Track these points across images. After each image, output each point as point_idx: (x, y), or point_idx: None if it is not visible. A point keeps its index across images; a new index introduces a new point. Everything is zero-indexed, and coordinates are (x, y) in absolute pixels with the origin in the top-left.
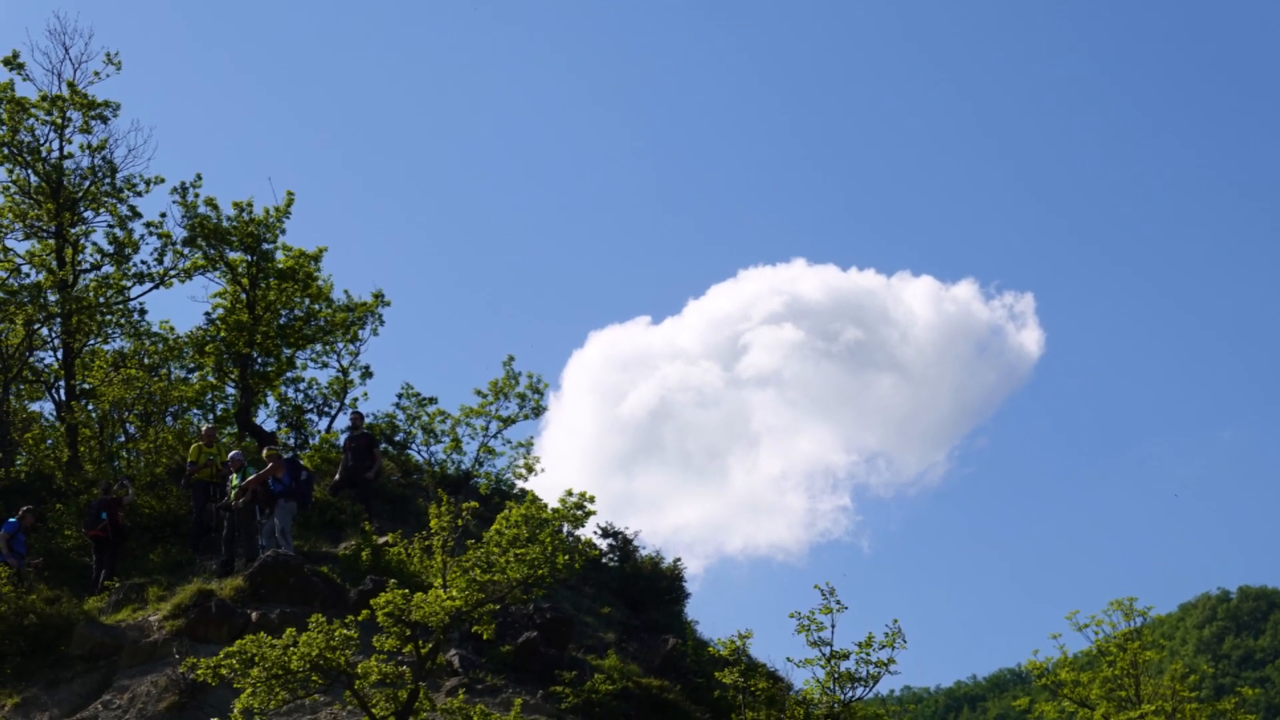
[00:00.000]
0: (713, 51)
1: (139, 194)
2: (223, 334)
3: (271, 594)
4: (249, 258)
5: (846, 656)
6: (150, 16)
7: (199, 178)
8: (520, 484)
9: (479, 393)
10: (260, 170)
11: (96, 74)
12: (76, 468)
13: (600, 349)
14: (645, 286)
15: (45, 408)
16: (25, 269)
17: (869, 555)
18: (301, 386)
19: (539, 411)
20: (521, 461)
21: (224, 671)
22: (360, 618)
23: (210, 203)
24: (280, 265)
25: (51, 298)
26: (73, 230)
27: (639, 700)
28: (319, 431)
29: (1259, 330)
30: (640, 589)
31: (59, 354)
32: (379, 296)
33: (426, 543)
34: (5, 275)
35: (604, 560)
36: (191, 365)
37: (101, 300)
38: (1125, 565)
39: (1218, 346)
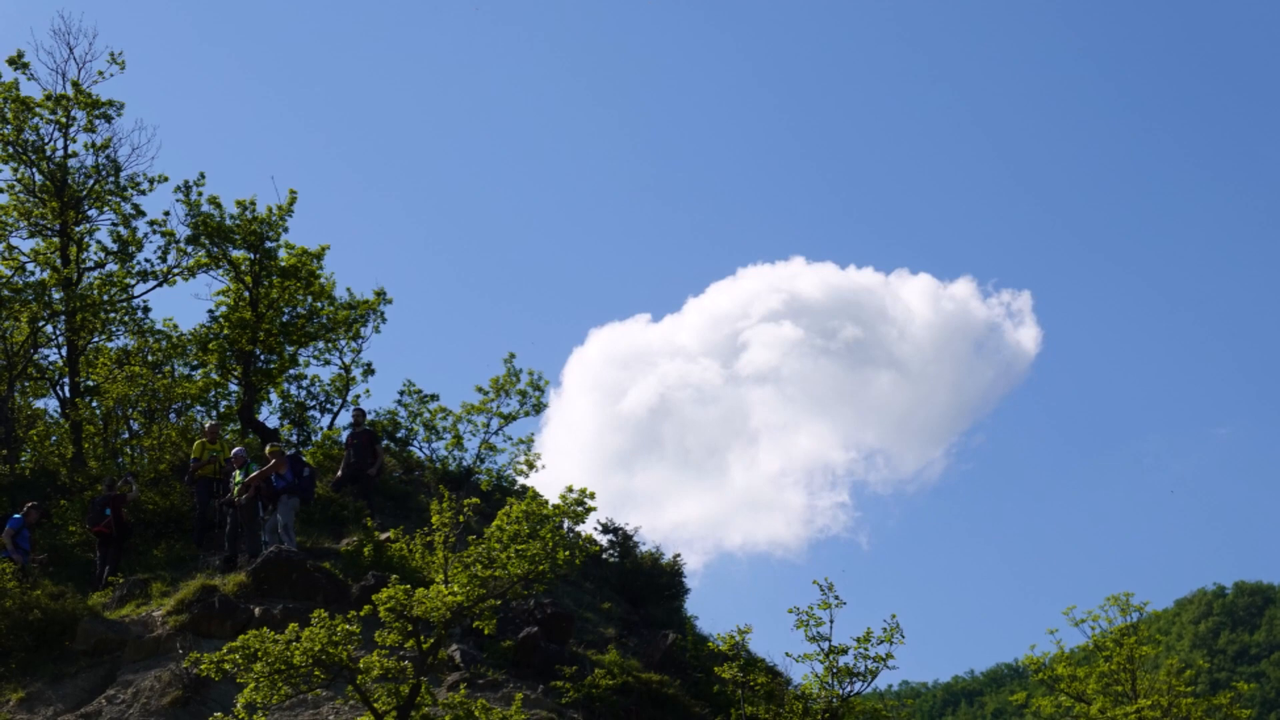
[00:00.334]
0: (712, 51)
1: (143, 192)
2: (226, 331)
3: (274, 589)
4: (252, 256)
5: (845, 651)
6: (154, 16)
7: (202, 176)
8: (521, 480)
9: (480, 390)
10: (263, 169)
11: (100, 73)
12: (81, 464)
13: (600, 346)
14: (645, 284)
15: (50, 405)
16: (30, 267)
17: (867, 551)
18: (304, 383)
19: (540, 408)
20: (522, 458)
21: (227, 666)
22: (362, 613)
23: (213, 201)
24: (283, 263)
25: (56, 295)
26: (77, 228)
27: (639, 695)
28: (321, 428)
29: (1254, 328)
30: (640, 585)
31: (63, 351)
32: (381, 294)
33: (428, 538)
34: (10, 273)
35: (604, 556)
36: (195, 362)
37: (105, 298)
38: (1122, 561)
39: (1213, 344)
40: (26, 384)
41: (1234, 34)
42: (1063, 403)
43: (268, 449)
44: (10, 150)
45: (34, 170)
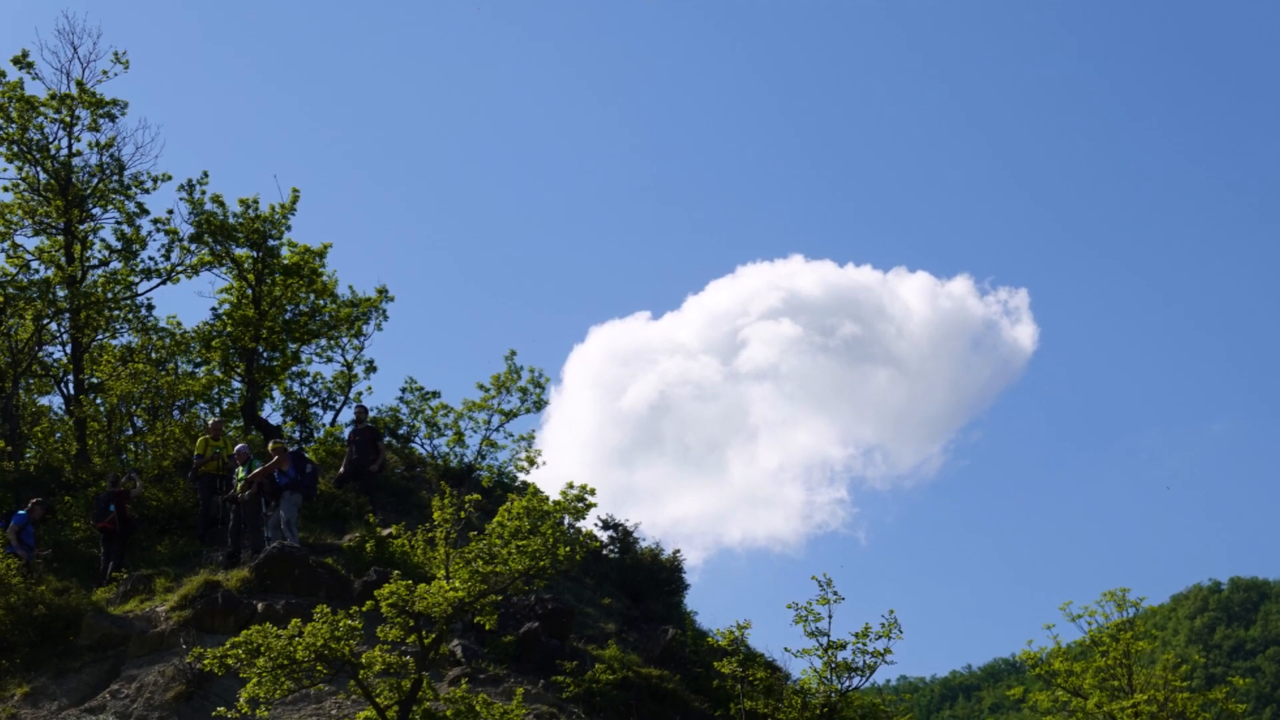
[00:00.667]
0: (712, 50)
1: (146, 191)
2: (229, 329)
3: (277, 585)
4: (255, 254)
5: (843, 646)
6: (157, 16)
7: (205, 175)
8: (522, 477)
9: (481, 387)
10: (266, 168)
11: (104, 73)
12: (85, 461)
13: (601, 344)
14: (645, 282)
15: (54, 402)
16: (35, 265)
17: (865, 547)
18: (306, 381)
19: (540, 405)
20: (523, 454)
21: (230, 661)
22: (364, 608)
23: (217, 199)
24: (286, 261)
25: (60, 293)
26: (81, 227)
27: (639, 690)
28: (324, 425)
29: (1249, 324)
30: (640, 580)
31: (68, 349)
32: (383, 292)
33: (430, 534)
34: (15, 271)
35: (604, 552)
36: (198, 360)
37: (109, 296)
38: (1118, 556)
39: (1208, 341)
40: (31, 381)
41: (1227, 32)
42: (1059, 399)
43: (270, 445)
44: (15, 149)
45: (39, 169)
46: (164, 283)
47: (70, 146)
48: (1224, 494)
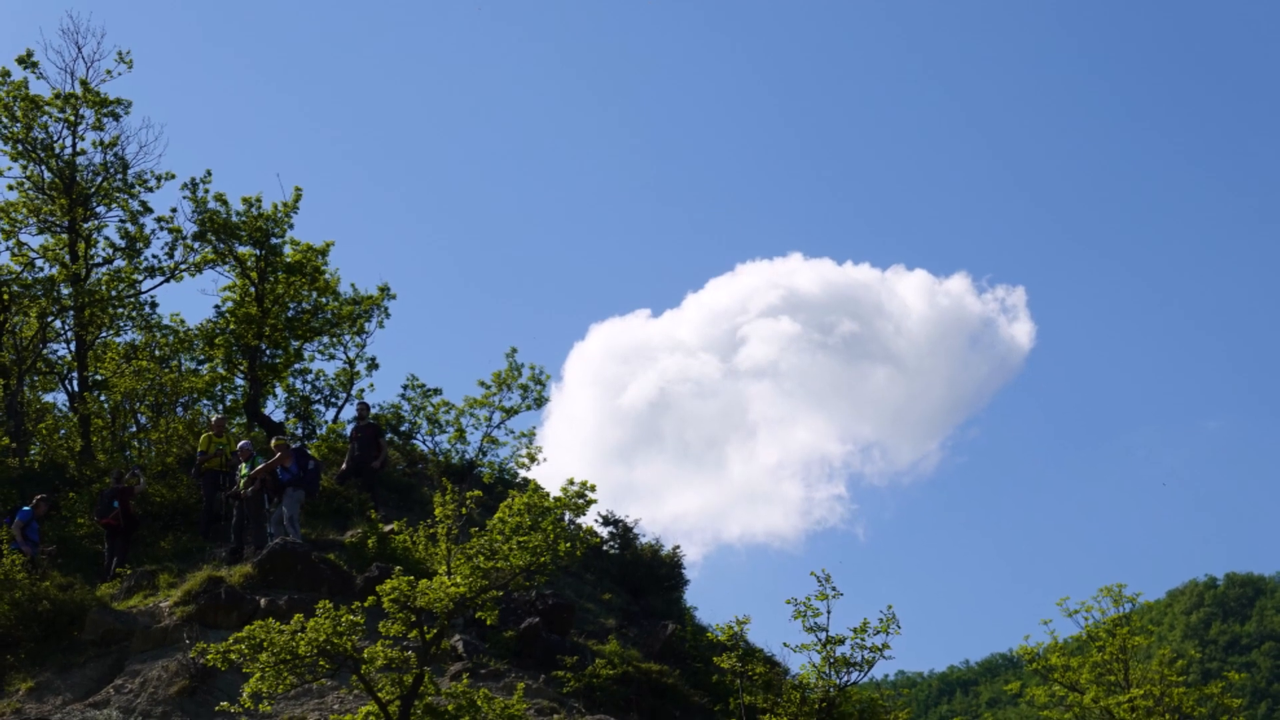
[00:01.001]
0: (711, 50)
1: (150, 190)
2: (232, 326)
3: (280, 581)
4: (258, 252)
5: (842, 642)
6: (161, 16)
7: (209, 174)
8: (523, 473)
9: (482, 384)
10: (269, 166)
11: (109, 72)
12: (89, 457)
13: (601, 341)
14: (645, 280)
15: (58, 399)
16: (39, 263)
17: (864, 543)
18: (309, 378)
19: (541, 402)
20: (524, 451)
21: (233, 656)
22: (366, 604)
23: (220, 198)
24: (288, 259)
25: (64, 291)
26: (85, 225)
27: (639, 685)
28: (326, 422)
29: (1244, 322)
30: (640, 576)
31: (72, 346)
32: (385, 290)
33: (431, 530)
34: (20, 269)
35: (605, 548)
36: (201, 357)
37: (113, 294)
38: (1114, 552)
39: (1204, 338)
40: (36, 378)
41: (1225, 31)
42: (1056, 396)
43: (273, 442)
44: (20, 148)
45: (43, 168)
46: (167, 281)
47: (74, 145)
48: (1219, 490)
